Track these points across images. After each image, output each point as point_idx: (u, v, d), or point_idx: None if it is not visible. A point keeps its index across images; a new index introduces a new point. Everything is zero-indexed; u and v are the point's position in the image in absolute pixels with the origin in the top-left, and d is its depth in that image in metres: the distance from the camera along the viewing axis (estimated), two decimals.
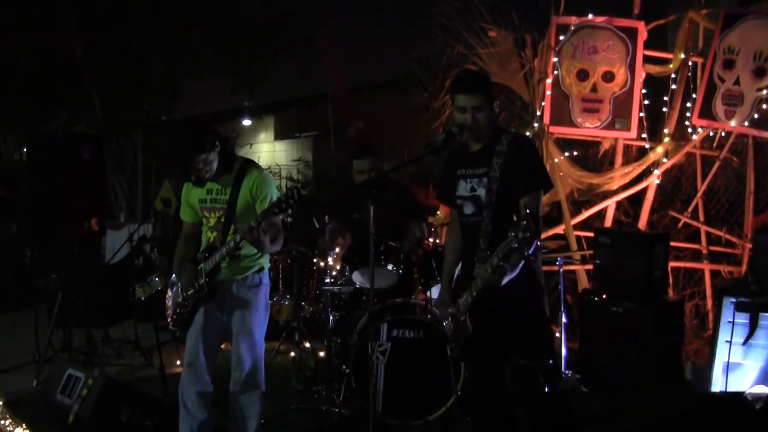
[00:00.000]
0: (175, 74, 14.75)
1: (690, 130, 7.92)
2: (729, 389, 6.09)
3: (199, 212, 5.13)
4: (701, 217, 8.12)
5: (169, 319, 5.29)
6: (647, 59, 8.04)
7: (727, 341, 6.09)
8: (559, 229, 8.29)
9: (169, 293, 5.32)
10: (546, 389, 4.68)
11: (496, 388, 4.71)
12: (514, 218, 4.24)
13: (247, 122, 18.81)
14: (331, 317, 6.50)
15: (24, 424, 5.80)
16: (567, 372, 6.78)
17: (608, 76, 7.99)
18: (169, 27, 13.80)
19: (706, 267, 7.99)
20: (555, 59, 8.05)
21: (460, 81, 4.56)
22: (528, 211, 3.93)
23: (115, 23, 13.92)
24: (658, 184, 8.07)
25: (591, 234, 7.80)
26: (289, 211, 4.45)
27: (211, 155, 4.84)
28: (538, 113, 8.17)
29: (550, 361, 4.68)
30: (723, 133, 7.88)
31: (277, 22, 14.83)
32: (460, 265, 4.78)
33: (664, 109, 8.11)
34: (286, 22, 14.90)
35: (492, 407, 4.75)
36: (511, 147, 4.46)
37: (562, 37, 8.02)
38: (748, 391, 5.52)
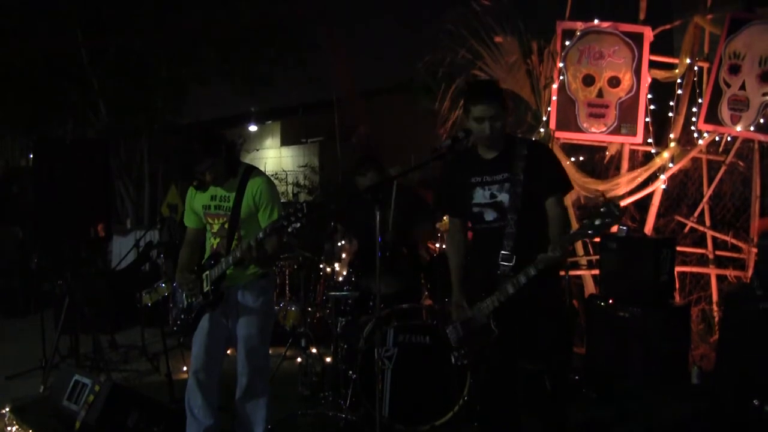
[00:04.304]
0: (180, 79, 14.78)
1: (696, 134, 7.92)
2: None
3: (202, 218, 5.13)
4: (707, 222, 8.11)
5: (173, 325, 5.31)
6: (653, 64, 8.03)
7: None
8: None
9: (174, 299, 5.33)
10: (552, 395, 4.71)
11: (508, 392, 4.73)
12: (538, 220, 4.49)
13: (253, 128, 18.83)
14: (338, 323, 6.50)
15: (31, 431, 5.82)
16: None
17: (614, 81, 7.98)
18: (173, 31, 13.83)
19: (713, 272, 7.98)
20: (561, 64, 8.05)
21: (475, 92, 4.58)
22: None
23: (119, 28, 13.95)
24: (664, 189, 8.06)
25: (597, 239, 7.79)
26: (298, 225, 4.46)
27: (216, 160, 4.84)
28: (544, 118, 8.17)
29: (560, 367, 4.71)
30: (729, 138, 7.87)
31: (282, 26, 14.86)
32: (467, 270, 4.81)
33: (670, 114, 8.10)
34: (291, 26, 14.94)
35: (502, 411, 4.76)
36: (531, 151, 4.55)
37: (567, 43, 8.02)
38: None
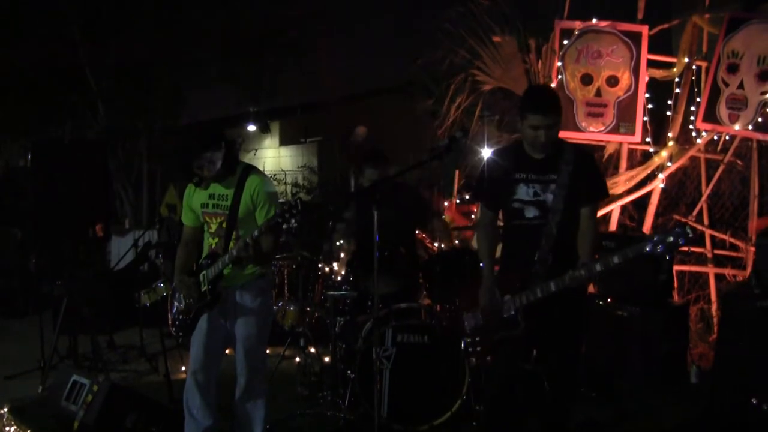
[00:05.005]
0: (179, 83, 14.78)
1: (694, 134, 7.92)
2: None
3: (200, 217, 5.12)
4: (706, 221, 8.12)
5: (171, 326, 5.30)
6: (651, 63, 8.03)
7: None
8: None
9: (173, 299, 5.32)
10: (552, 395, 4.72)
11: (517, 388, 4.76)
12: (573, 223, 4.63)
13: (252, 128, 18.80)
14: (336, 322, 6.49)
15: (29, 431, 5.81)
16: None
17: (612, 81, 7.98)
18: (172, 34, 13.83)
19: (711, 271, 7.98)
20: (559, 64, 8.05)
21: (534, 100, 4.63)
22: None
23: (118, 28, 13.95)
24: (662, 188, 8.06)
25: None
26: (292, 221, 4.46)
27: (215, 155, 4.84)
28: None
29: (561, 368, 4.72)
30: (727, 137, 7.87)
31: (281, 28, 14.86)
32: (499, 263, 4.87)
33: (668, 113, 8.11)
34: (290, 27, 14.94)
35: (510, 407, 4.78)
36: (577, 156, 4.65)
37: (566, 42, 8.02)
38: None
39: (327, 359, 6.95)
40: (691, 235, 4.03)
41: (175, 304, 5.26)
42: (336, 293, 6.38)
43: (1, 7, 13.26)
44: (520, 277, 4.56)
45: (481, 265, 4.84)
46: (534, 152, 4.66)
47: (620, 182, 8.03)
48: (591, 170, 4.75)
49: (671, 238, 4.02)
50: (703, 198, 8.08)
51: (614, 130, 7.98)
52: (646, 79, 7.96)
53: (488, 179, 4.90)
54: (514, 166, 4.70)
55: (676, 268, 7.51)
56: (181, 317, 5.16)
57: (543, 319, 4.51)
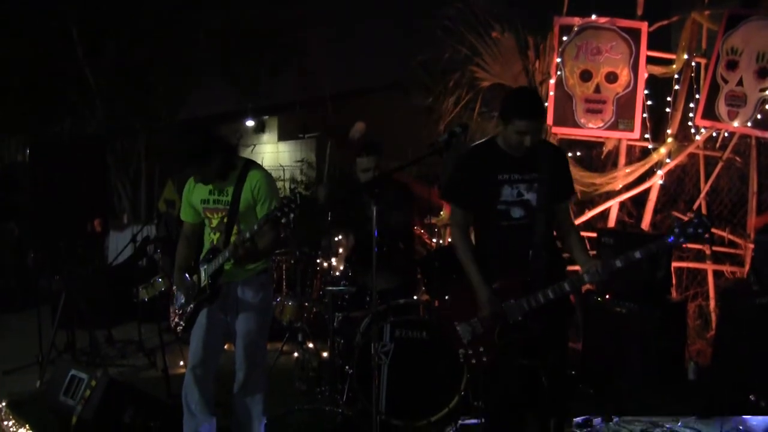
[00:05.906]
0: (178, 81, 14.78)
1: (693, 130, 7.93)
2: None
3: (201, 213, 5.10)
4: None
5: (172, 323, 5.27)
6: (650, 60, 8.04)
7: None
8: None
9: (173, 297, 5.31)
10: (550, 392, 4.71)
11: (526, 388, 4.76)
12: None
13: (250, 123, 18.83)
14: (334, 318, 6.48)
15: (27, 425, 5.81)
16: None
17: (611, 77, 7.98)
18: (173, 35, 13.84)
19: (709, 267, 7.98)
20: (558, 60, 8.05)
21: (523, 106, 4.49)
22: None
23: (118, 31, 13.96)
24: (661, 185, 8.07)
25: (594, 234, 7.79)
26: (291, 215, 4.44)
27: (204, 162, 4.78)
28: None
29: (560, 363, 4.72)
30: (726, 134, 7.89)
31: (281, 28, 14.89)
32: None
33: (667, 110, 8.11)
34: (290, 27, 14.97)
35: (516, 407, 4.77)
36: (553, 153, 4.67)
37: (565, 38, 8.02)
38: None
39: (325, 355, 6.93)
40: (710, 224, 4.03)
41: (176, 301, 5.24)
42: (334, 289, 6.37)
43: (1, 7, 13.24)
44: (521, 280, 4.52)
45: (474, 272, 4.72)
46: (514, 152, 4.61)
47: (619, 178, 8.04)
48: (565, 167, 4.74)
49: (691, 229, 4.02)
50: (702, 195, 8.09)
51: (613, 127, 7.99)
52: (646, 75, 7.97)
53: (465, 180, 4.75)
54: (496, 167, 4.60)
55: (674, 264, 7.51)
56: (180, 312, 5.15)
57: (545, 317, 4.49)
